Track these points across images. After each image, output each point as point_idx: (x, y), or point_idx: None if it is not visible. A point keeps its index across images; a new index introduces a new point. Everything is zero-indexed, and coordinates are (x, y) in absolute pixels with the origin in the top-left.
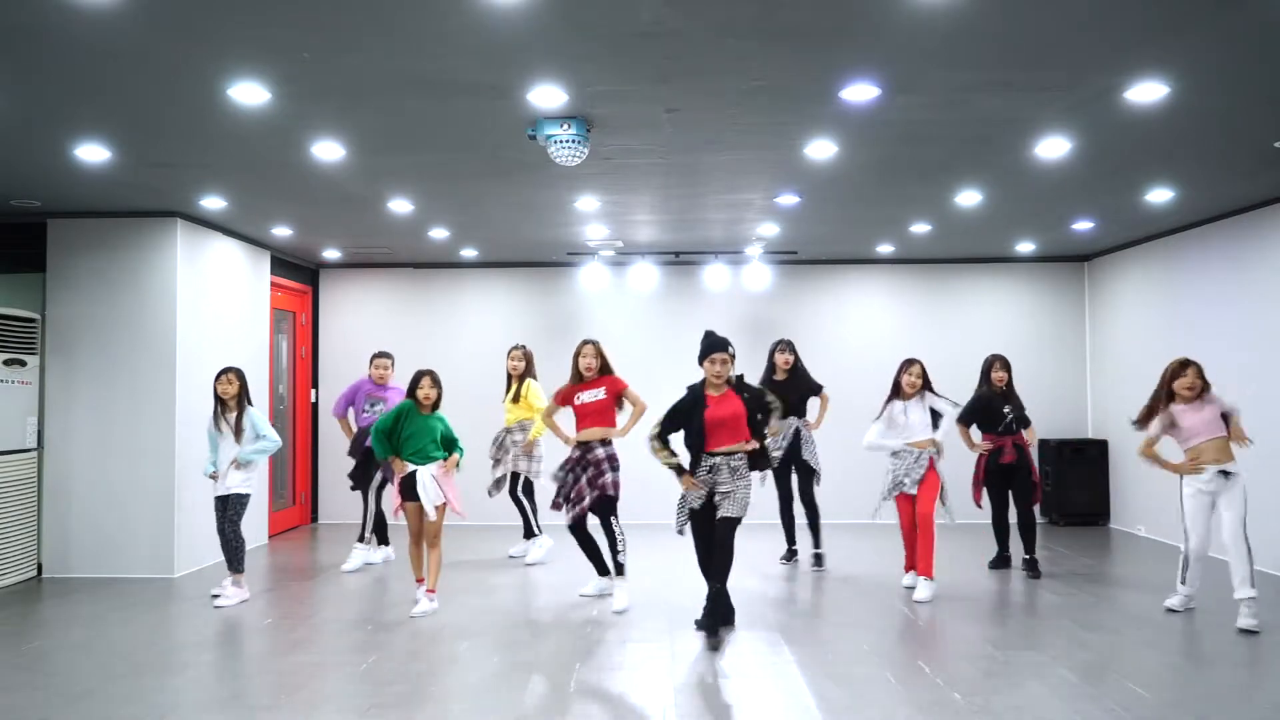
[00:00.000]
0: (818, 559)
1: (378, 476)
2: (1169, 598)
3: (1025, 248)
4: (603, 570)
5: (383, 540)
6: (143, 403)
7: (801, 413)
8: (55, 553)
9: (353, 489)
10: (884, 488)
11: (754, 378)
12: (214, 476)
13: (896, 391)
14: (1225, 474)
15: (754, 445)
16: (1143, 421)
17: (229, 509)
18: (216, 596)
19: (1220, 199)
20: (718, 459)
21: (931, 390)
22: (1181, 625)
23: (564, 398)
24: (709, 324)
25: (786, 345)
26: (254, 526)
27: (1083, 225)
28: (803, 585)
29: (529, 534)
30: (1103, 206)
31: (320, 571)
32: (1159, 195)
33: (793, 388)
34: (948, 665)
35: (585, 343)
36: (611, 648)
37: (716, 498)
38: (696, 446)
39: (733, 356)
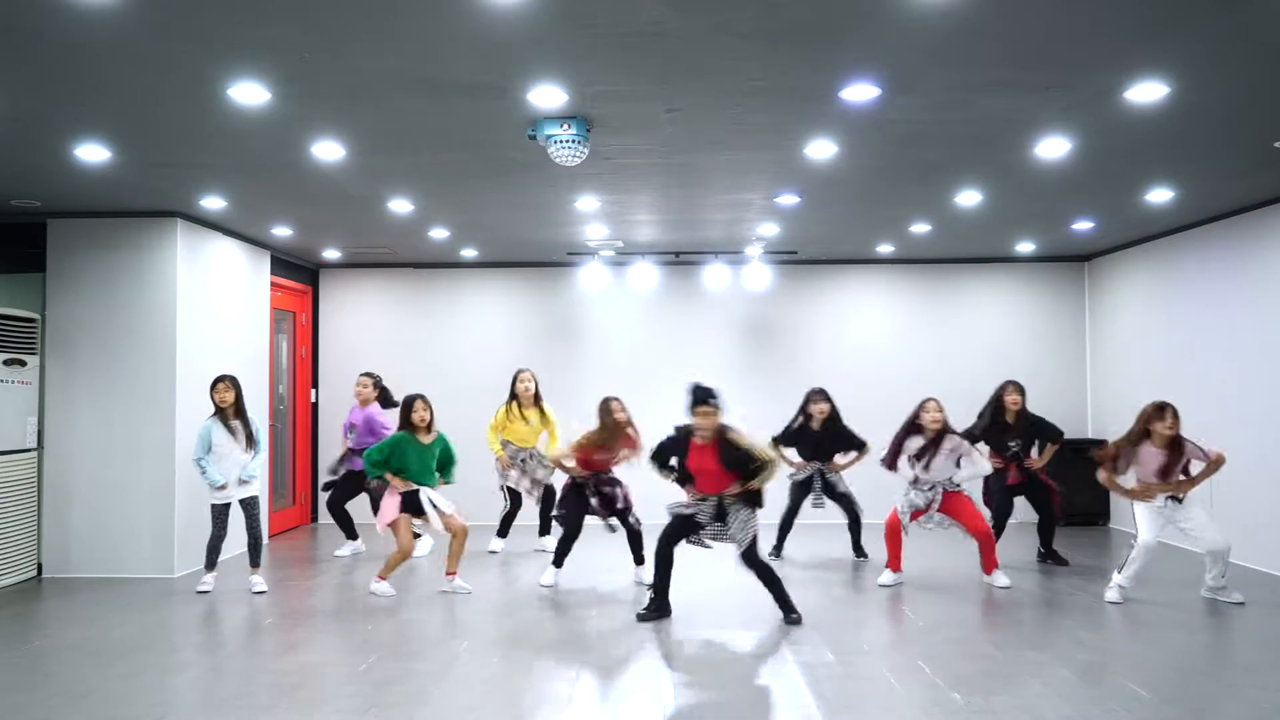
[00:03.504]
0: (861, 551)
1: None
2: (1110, 590)
3: (1025, 248)
4: (640, 560)
5: (352, 535)
6: (143, 403)
7: (830, 458)
8: (55, 553)
9: (329, 504)
10: (907, 506)
11: (758, 387)
12: (224, 488)
13: (917, 430)
14: (1176, 499)
15: (735, 490)
16: (1108, 460)
17: (250, 512)
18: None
19: (1220, 199)
20: (709, 499)
21: (950, 430)
22: (1183, 626)
23: (590, 452)
24: (709, 324)
25: (822, 394)
26: None
27: (1083, 225)
28: (802, 586)
29: (546, 530)
30: (1103, 206)
31: (320, 572)
32: (1159, 195)
33: (828, 437)
34: (948, 665)
35: (612, 399)
36: (613, 647)
37: (710, 531)
38: (686, 481)
39: (717, 408)
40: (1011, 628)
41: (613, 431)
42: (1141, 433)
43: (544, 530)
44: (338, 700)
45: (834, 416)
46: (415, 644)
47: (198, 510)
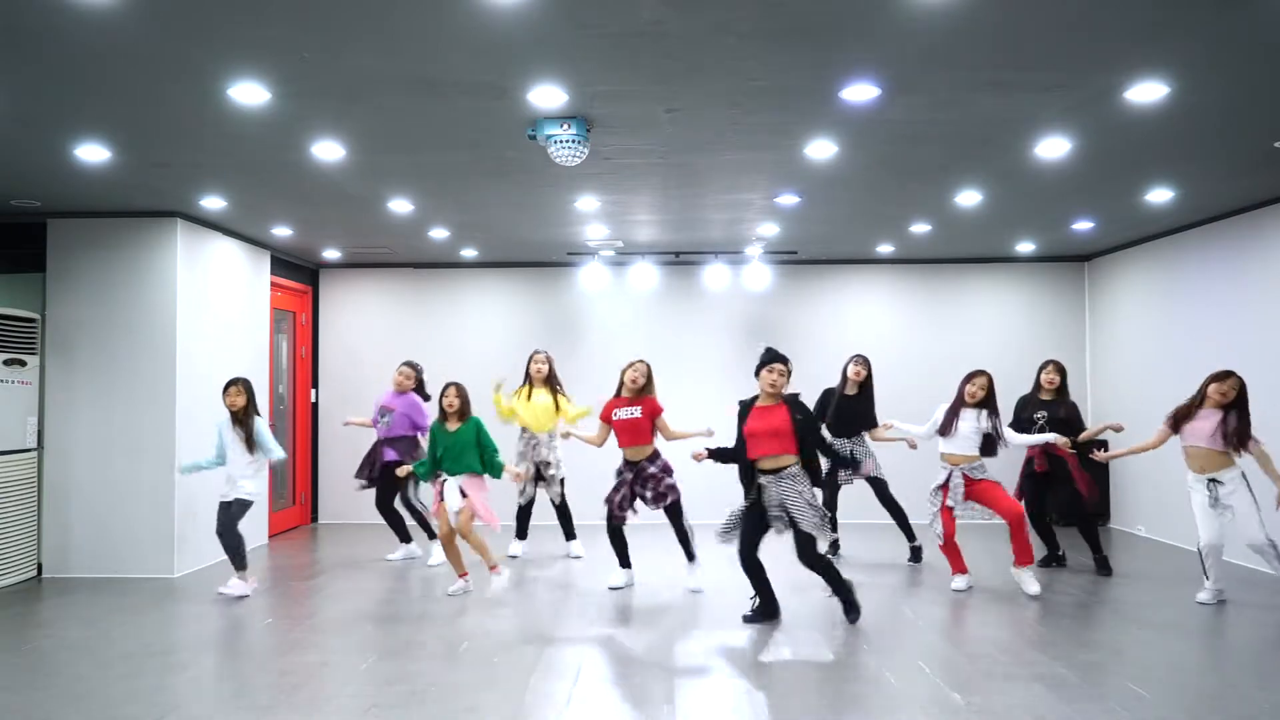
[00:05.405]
0: (915, 553)
1: (411, 486)
2: (1199, 592)
3: (1025, 248)
4: (626, 564)
5: (405, 538)
6: (143, 403)
7: (856, 432)
8: (55, 553)
9: (377, 505)
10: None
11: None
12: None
13: (960, 400)
14: (1215, 481)
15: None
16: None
17: (232, 510)
18: (222, 593)
19: (1220, 199)
20: (765, 479)
21: (994, 410)
22: (1183, 626)
23: (605, 413)
24: (709, 324)
25: (862, 359)
26: (254, 526)
27: (1083, 225)
28: (802, 585)
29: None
30: (1103, 206)
31: (320, 572)
32: (1159, 195)
33: (861, 402)
34: (948, 665)
35: (638, 360)
36: (614, 647)
37: (774, 513)
38: (744, 464)
39: (788, 374)
40: (1011, 628)
41: (620, 386)
42: (1200, 395)
43: (569, 534)
44: (338, 700)
45: (868, 384)
46: (415, 644)
47: (198, 510)
